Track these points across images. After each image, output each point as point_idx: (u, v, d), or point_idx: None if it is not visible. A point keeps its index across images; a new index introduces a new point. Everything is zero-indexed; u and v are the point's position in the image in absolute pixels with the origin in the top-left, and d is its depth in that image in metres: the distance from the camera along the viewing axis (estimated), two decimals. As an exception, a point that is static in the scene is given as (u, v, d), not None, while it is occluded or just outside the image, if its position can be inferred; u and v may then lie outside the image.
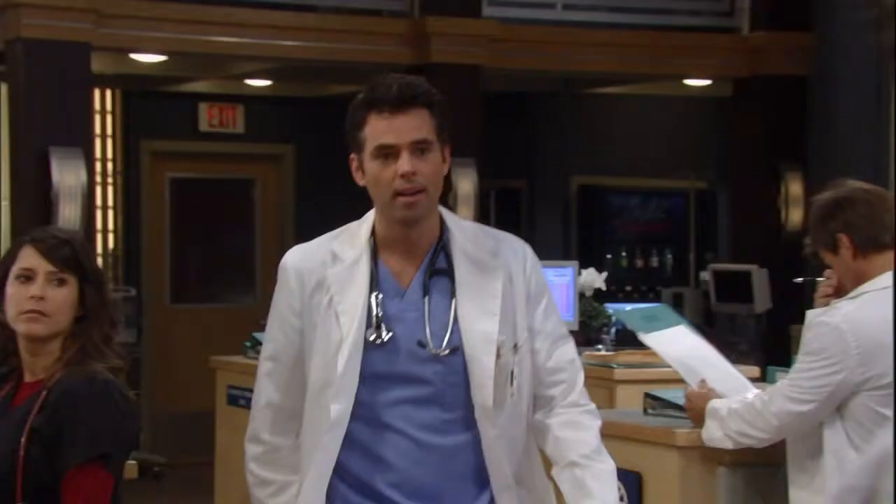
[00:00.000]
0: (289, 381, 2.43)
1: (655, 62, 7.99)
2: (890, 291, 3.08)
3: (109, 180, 8.65)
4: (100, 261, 8.33)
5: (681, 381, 3.56)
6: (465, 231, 2.42)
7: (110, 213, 8.66)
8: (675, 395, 3.61)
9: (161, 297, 9.00)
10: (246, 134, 9.16)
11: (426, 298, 2.35)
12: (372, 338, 2.32)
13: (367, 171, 2.34)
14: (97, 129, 8.30)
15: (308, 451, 2.39)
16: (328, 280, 2.36)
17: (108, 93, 8.56)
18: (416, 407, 2.35)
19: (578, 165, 9.52)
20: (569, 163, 9.50)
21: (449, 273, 2.37)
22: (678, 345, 3.62)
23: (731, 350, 6.90)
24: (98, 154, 8.24)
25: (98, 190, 8.10)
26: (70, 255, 2.47)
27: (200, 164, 9.15)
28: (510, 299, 2.39)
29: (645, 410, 3.73)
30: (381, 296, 2.34)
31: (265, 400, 2.46)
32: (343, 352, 2.32)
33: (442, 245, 2.39)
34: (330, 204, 9.00)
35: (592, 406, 2.46)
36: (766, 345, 7.26)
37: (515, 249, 2.45)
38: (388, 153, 2.30)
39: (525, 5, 7.86)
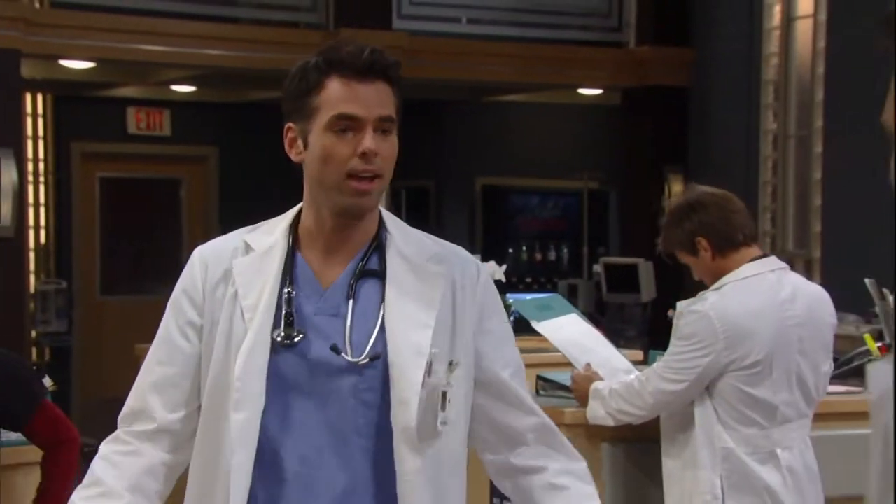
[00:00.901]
0: (182, 395, 1.87)
1: (552, 73, 8.07)
2: (749, 281, 3.16)
3: (41, 179, 8.52)
4: (32, 255, 8.23)
5: (570, 364, 3.58)
6: (406, 234, 1.93)
7: (42, 211, 8.53)
8: (563, 377, 3.65)
9: (91, 289, 8.88)
10: (172, 136, 9.07)
11: (350, 302, 1.84)
12: (279, 338, 1.81)
13: (313, 143, 1.82)
14: (29, 132, 8.17)
15: (201, 493, 1.84)
16: (234, 270, 1.86)
17: (40, 97, 8.44)
18: (322, 429, 1.82)
19: (482, 167, 9.57)
20: (474, 165, 9.56)
21: (380, 276, 1.87)
22: (567, 331, 3.67)
23: (620, 336, 7.02)
24: (30, 155, 8.12)
25: (31, 189, 7.98)
26: None
27: (129, 164, 9.05)
28: (450, 311, 1.87)
29: (537, 392, 3.74)
30: (293, 292, 1.84)
31: (151, 379, 1.88)
32: (243, 347, 1.81)
33: (376, 245, 1.89)
34: (251, 201, 8.97)
35: (581, 460, 1.96)
36: (651, 331, 7.38)
37: (466, 261, 1.95)
38: (347, 126, 1.80)
39: (433, 19, 7.89)
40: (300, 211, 1.92)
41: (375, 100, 1.82)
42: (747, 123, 7.25)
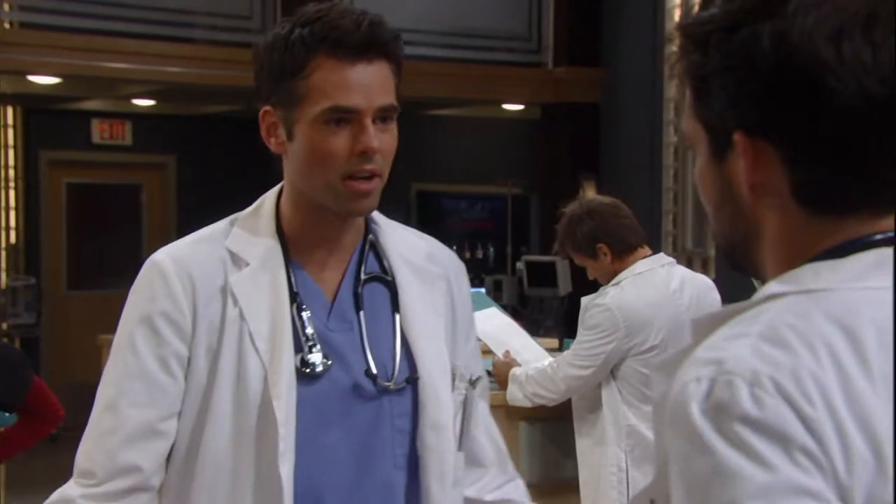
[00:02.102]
0: (168, 443, 1.41)
1: (480, 90, 8.12)
2: (643, 275, 3.23)
3: (12, 185, 8.42)
4: (3, 254, 8.13)
5: (490, 352, 3.62)
6: (393, 228, 1.53)
7: (13, 213, 8.43)
8: (485, 363, 3.70)
9: (58, 284, 8.80)
10: (133, 146, 9.00)
11: (360, 314, 1.45)
12: (307, 368, 1.40)
13: (299, 136, 1.39)
14: (0, 141, 8.08)
15: None
16: (234, 289, 1.40)
17: (10, 109, 8.34)
18: (359, 463, 1.43)
19: (417, 174, 9.59)
20: (409, 172, 9.56)
21: (385, 280, 1.48)
22: (488, 323, 3.72)
23: (540, 326, 7.08)
24: (1, 162, 8.04)
25: (2, 193, 7.91)
26: None
27: (93, 171, 8.96)
28: (451, 318, 1.52)
29: (462, 376, 3.81)
30: (306, 309, 1.43)
31: (126, 428, 1.40)
32: (278, 387, 1.36)
33: (371, 244, 1.50)
34: (207, 204, 8.91)
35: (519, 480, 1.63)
36: (567, 321, 7.46)
37: (451, 257, 1.57)
38: (342, 118, 1.38)
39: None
40: (276, 206, 1.47)
41: (375, 85, 1.38)
42: (651, 136, 7.34)
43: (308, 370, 1.40)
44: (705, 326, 0.86)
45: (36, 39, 6.66)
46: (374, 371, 1.43)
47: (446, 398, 1.45)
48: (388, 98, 1.41)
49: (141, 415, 1.40)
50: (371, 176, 1.40)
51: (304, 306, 1.43)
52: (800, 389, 0.79)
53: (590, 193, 8.34)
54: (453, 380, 1.47)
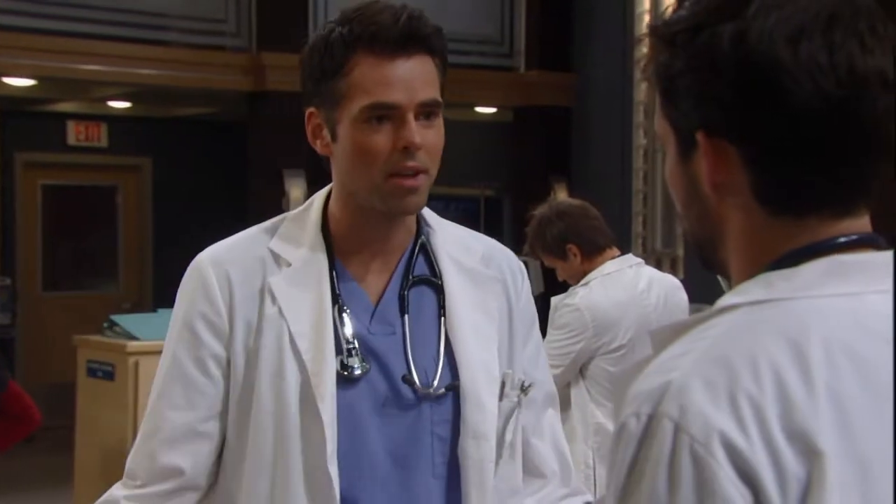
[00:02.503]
0: (210, 444, 1.39)
1: (453, 93, 8.01)
2: (612, 276, 3.25)
3: (-13, 186, 8.36)
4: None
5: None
6: (447, 229, 1.49)
7: (-12, 215, 8.36)
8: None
9: (34, 285, 8.73)
10: (109, 147, 8.95)
11: (405, 318, 1.40)
12: (346, 371, 1.36)
13: (343, 136, 1.36)
14: (-24, 142, 8.01)
15: None
16: (273, 289, 1.37)
17: (-14, 111, 8.26)
18: (399, 471, 1.39)
19: (391, 176, 9.59)
20: (383, 174, 9.59)
21: (433, 283, 1.43)
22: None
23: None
24: (-23, 164, 7.98)
25: (-23, 194, 7.85)
26: None
27: (69, 172, 8.91)
28: (507, 321, 1.46)
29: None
30: (348, 312, 1.38)
31: (165, 430, 1.39)
32: (322, 389, 1.33)
33: (421, 246, 1.45)
34: (182, 205, 8.90)
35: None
36: (540, 320, 7.48)
37: (510, 259, 1.51)
38: (383, 115, 1.34)
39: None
40: (325, 207, 1.43)
41: (416, 80, 1.34)
42: (621, 139, 7.37)
43: (346, 373, 1.36)
44: (663, 338, 0.87)
45: (11, 42, 6.62)
46: (414, 377, 1.38)
47: (491, 406, 1.39)
48: (430, 93, 1.36)
49: (180, 417, 1.38)
50: (416, 173, 1.35)
51: (345, 308, 1.38)
52: (734, 416, 0.79)
53: (561, 195, 8.38)
54: (503, 387, 1.41)
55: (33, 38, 6.68)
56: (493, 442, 1.39)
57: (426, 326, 1.41)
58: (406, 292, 1.41)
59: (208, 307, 1.37)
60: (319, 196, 1.45)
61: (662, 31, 0.90)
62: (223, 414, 1.38)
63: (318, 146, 1.40)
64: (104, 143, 8.95)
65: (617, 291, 3.21)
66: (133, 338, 3.85)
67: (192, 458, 1.39)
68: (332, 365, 1.35)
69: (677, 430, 0.79)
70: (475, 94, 8.22)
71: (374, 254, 1.42)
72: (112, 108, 8.62)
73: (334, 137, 1.38)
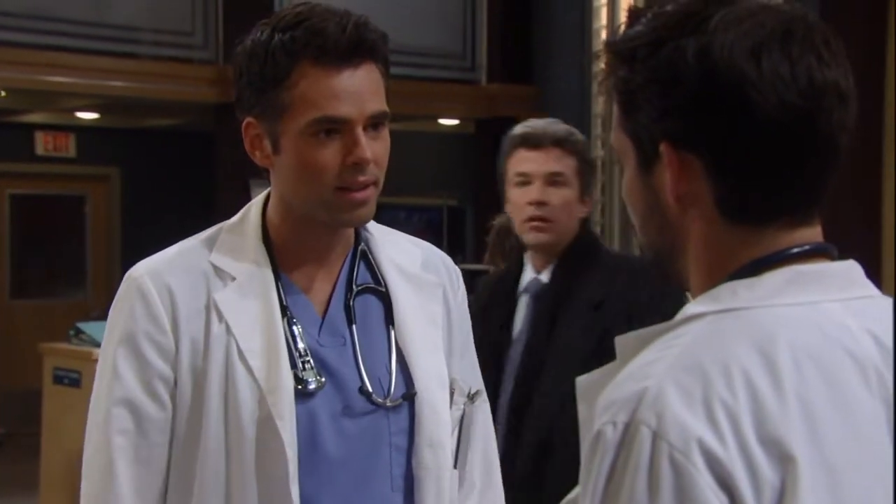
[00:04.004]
0: (158, 476, 1.29)
1: (416, 106, 8.14)
2: None
3: (-45, 196, 8.23)
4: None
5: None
6: (385, 234, 1.42)
7: (-44, 224, 8.24)
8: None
9: (2, 293, 8.64)
10: (77, 158, 8.88)
11: (353, 328, 1.34)
12: (300, 386, 1.29)
13: (286, 149, 1.27)
14: (-56, 152, 7.90)
15: None
16: (219, 305, 1.28)
17: (-45, 121, 8.15)
18: (356, 483, 1.32)
19: (356, 186, 9.58)
20: (348, 184, 9.57)
21: (377, 292, 1.37)
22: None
23: (474, 332, 7.14)
24: (-55, 173, 7.86)
25: (-55, 204, 7.73)
26: None
27: (37, 182, 8.82)
28: (447, 328, 1.41)
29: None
30: (297, 324, 1.31)
31: (125, 485, 1.28)
32: (280, 407, 1.25)
33: (361, 253, 1.38)
34: (149, 214, 8.82)
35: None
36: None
37: (446, 263, 1.45)
38: (332, 129, 1.26)
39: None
40: (262, 216, 1.35)
41: (365, 91, 1.25)
42: (580, 151, 7.45)
43: (301, 388, 1.28)
44: (628, 346, 0.86)
45: (-21, 53, 6.54)
46: (369, 388, 1.31)
47: (445, 415, 1.35)
48: (378, 104, 1.28)
49: (127, 442, 1.28)
50: (366, 186, 1.29)
51: (294, 321, 1.31)
52: (711, 423, 0.79)
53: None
54: (451, 394, 1.37)
55: (1, 51, 6.60)
56: (448, 450, 1.35)
57: (375, 336, 1.35)
58: (352, 302, 1.35)
59: (152, 325, 1.27)
60: (256, 205, 1.36)
61: (621, 46, 0.90)
62: (171, 440, 1.29)
63: (257, 157, 1.32)
64: (72, 153, 8.87)
65: None
66: (99, 345, 3.80)
67: (143, 489, 1.29)
68: (288, 381, 1.27)
69: (655, 437, 0.78)
70: (438, 107, 8.23)
71: (317, 263, 1.35)
72: (80, 118, 8.54)
73: (276, 149, 1.29)
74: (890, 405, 0.84)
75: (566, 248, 2.23)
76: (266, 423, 1.26)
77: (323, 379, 1.30)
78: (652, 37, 0.88)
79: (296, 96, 1.25)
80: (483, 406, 1.46)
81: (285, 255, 1.34)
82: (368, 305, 1.36)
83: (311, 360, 1.30)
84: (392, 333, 1.35)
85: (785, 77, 0.84)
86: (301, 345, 1.30)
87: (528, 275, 2.27)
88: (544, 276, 2.22)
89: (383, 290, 1.37)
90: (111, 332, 1.31)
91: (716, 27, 0.86)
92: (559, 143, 2.19)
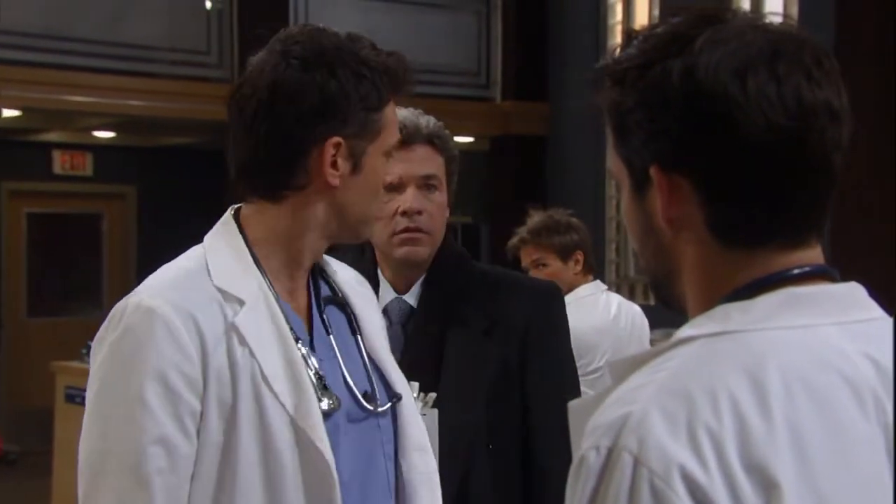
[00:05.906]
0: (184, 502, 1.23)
1: (430, 123, 8.17)
2: (587, 299, 3.27)
3: (-27, 214, 8.31)
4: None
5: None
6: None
7: (-26, 242, 8.31)
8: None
9: (19, 311, 8.68)
10: (94, 176, 8.93)
11: (331, 339, 1.35)
12: (325, 408, 1.29)
13: (368, 168, 1.31)
14: (-38, 171, 7.98)
15: None
16: (241, 330, 1.25)
17: (-27, 140, 8.24)
18: (361, 494, 1.32)
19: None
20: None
21: (337, 302, 1.40)
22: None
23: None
24: (-37, 192, 7.94)
25: (-37, 222, 7.80)
26: None
27: (54, 201, 8.88)
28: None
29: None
30: (303, 343, 1.31)
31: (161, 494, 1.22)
32: (318, 430, 1.24)
33: (318, 268, 1.39)
34: (166, 232, 8.86)
35: None
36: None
37: (363, 279, 1.50)
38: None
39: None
40: (245, 240, 1.33)
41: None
42: (595, 167, 7.41)
43: (324, 409, 1.28)
44: (621, 370, 0.85)
45: (-3, 73, 6.61)
46: (371, 396, 1.33)
47: (420, 420, 1.37)
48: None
49: (164, 482, 1.20)
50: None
51: (300, 340, 1.29)
52: (693, 449, 0.78)
53: (536, 222, 8.41)
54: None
55: (19, 70, 6.67)
56: (432, 453, 1.37)
57: (348, 346, 1.36)
58: (325, 315, 1.36)
59: (180, 356, 1.20)
60: (229, 224, 1.35)
61: (612, 68, 0.89)
62: (192, 477, 1.23)
63: (328, 175, 1.29)
64: (89, 171, 8.92)
65: (594, 316, 3.24)
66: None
67: None
68: (315, 403, 1.25)
69: (636, 463, 0.77)
70: (452, 124, 8.08)
71: (292, 280, 1.34)
72: (97, 137, 8.61)
73: (357, 169, 1.30)
74: (889, 431, 0.82)
75: (433, 264, 1.82)
76: (307, 449, 1.24)
77: (333, 399, 1.29)
78: (641, 59, 0.87)
79: (386, 121, 1.32)
80: (432, 413, 1.52)
81: (275, 277, 1.33)
82: (335, 316, 1.38)
83: (328, 381, 1.30)
84: (360, 342, 1.38)
85: (771, 97, 0.83)
86: (314, 365, 1.29)
87: (386, 295, 1.81)
88: (410, 298, 1.79)
89: (342, 301, 1.40)
90: (128, 366, 1.22)
91: (701, 48, 0.85)
92: (430, 139, 1.86)
